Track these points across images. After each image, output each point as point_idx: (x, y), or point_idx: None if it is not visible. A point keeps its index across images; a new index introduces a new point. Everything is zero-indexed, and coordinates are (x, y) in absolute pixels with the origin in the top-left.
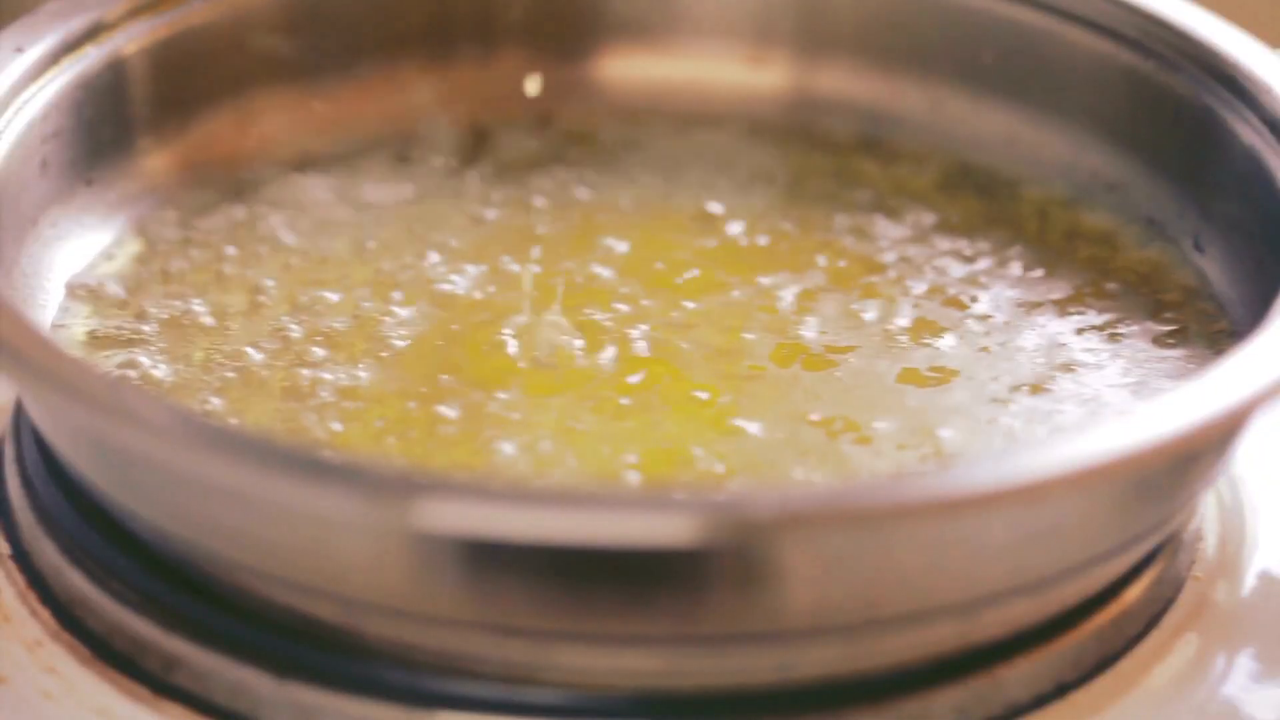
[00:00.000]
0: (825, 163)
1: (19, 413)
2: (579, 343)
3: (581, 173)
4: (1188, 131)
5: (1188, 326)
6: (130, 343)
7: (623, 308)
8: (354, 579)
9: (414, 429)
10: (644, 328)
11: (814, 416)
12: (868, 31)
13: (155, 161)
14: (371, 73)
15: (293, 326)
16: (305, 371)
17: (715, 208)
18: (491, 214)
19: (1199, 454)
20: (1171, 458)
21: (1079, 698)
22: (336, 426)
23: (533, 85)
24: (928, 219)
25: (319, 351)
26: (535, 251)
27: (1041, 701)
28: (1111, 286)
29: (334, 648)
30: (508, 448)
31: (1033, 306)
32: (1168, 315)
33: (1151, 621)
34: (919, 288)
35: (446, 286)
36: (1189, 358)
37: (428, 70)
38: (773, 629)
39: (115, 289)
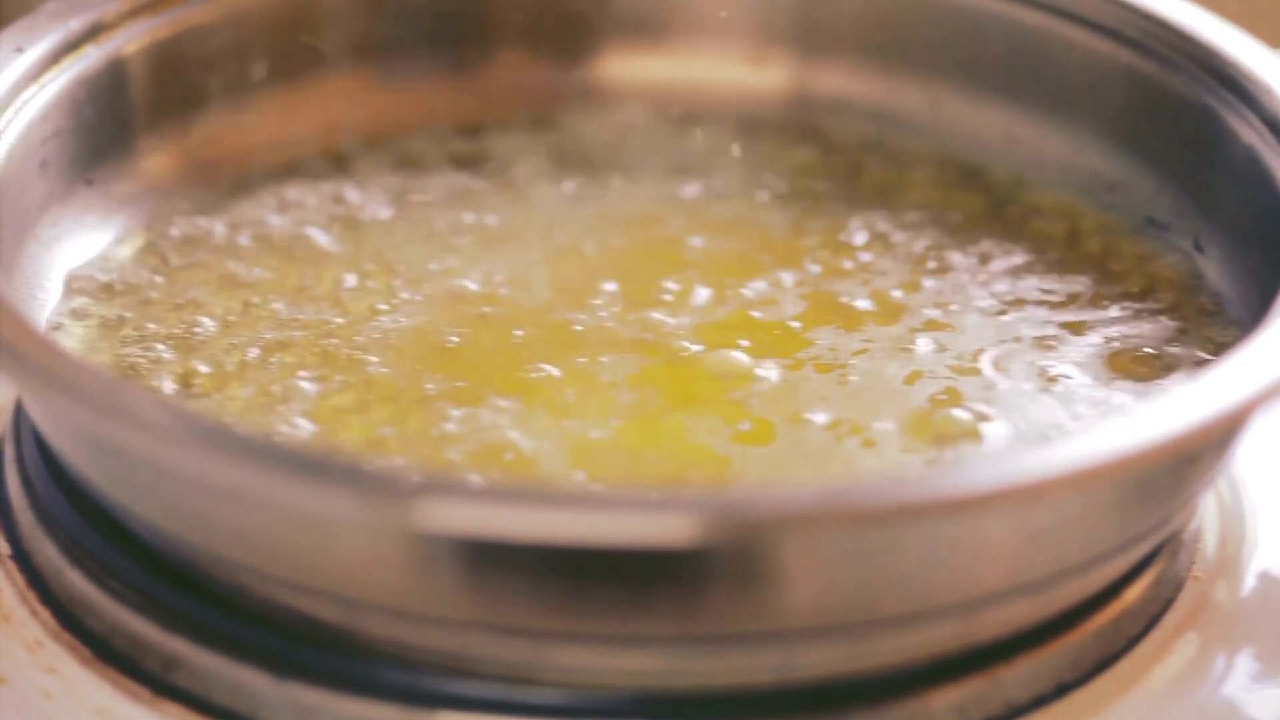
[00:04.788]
0: (825, 163)
1: (19, 413)
2: (579, 343)
3: (581, 173)
4: (1188, 131)
5: (1188, 326)
6: (130, 342)
7: (623, 308)
8: (354, 579)
9: (414, 429)
10: (645, 328)
11: (819, 418)
12: (868, 31)
13: (155, 161)
14: (371, 73)
15: (293, 326)
16: (305, 371)
17: (716, 208)
18: (490, 214)
19: (1199, 454)
20: (1171, 458)
21: (1079, 698)
22: (336, 427)
23: (532, 87)
24: (928, 219)
25: (319, 351)
26: (535, 253)
27: (1041, 701)
28: (1111, 286)
29: (334, 648)
30: (508, 448)
31: (1033, 307)
32: (1168, 315)
33: (1151, 621)
34: (920, 288)
35: (445, 287)
36: (1189, 358)
37: (427, 70)
38: (773, 629)
39: (115, 289)
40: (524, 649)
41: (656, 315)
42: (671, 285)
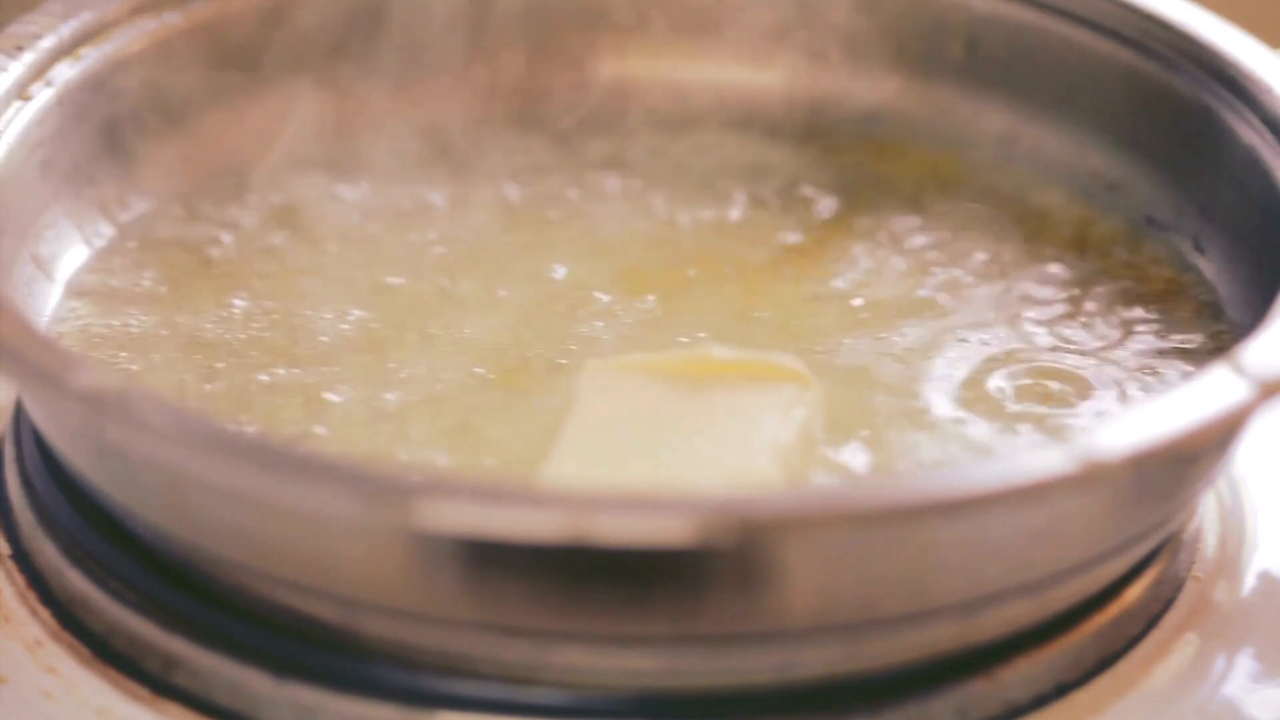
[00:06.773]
0: (826, 163)
1: (19, 413)
2: (578, 343)
3: (581, 174)
4: (1188, 131)
5: (1187, 327)
6: (130, 342)
7: (622, 308)
8: (354, 579)
9: (411, 430)
10: (646, 329)
11: (820, 418)
12: (868, 31)
13: (154, 162)
14: (370, 73)
15: (291, 326)
16: (305, 372)
17: (716, 208)
18: (488, 215)
19: (1199, 454)
20: (1171, 458)
21: (1079, 698)
22: (334, 427)
23: (531, 87)
24: (927, 220)
25: (320, 351)
26: (534, 254)
27: (1041, 701)
28: (1111, 286)
29: (333, 648)
30: (504, 450)
31: (1032, 306)
32: (1167, 315)
33: (1151, 621)
34: (921, 287)
35: (442, 288)
36: (1189, 358)
37: (427, 70)
38: (773, 629)
39: (115, 289)
40: (524, 649)
41: (656, 315)
42: (669, 284)
